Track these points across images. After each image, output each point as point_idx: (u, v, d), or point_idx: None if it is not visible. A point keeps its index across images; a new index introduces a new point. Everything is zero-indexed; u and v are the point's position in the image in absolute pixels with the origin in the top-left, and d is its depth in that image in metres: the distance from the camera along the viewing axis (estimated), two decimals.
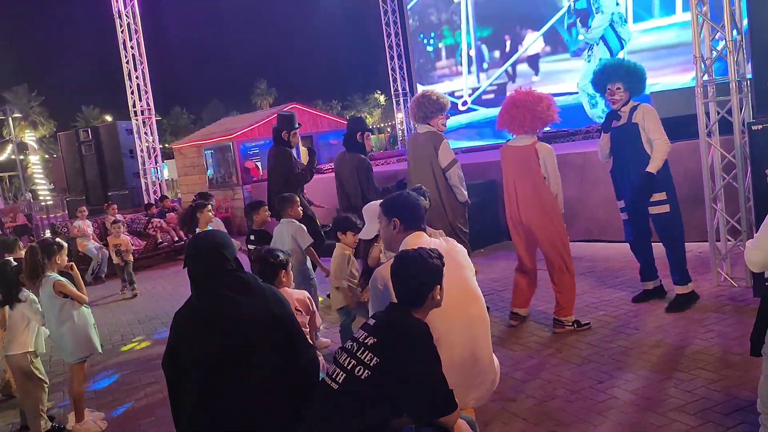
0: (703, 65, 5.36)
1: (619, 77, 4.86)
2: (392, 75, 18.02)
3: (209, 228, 5.85)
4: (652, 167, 4.73)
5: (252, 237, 5.84)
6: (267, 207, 6.02)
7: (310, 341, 3.86)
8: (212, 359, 2.46)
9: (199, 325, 2.53)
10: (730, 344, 4.14)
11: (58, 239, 4.62)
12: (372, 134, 6.79)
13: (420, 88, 15.69)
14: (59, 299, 4.30)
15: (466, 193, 5.46)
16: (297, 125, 6.87)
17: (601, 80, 4.98)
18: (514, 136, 4.88)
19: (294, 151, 6.93)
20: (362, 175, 6.30)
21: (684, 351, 4.14)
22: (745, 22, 5.19)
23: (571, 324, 4.81)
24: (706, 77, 5.37)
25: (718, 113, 5.38)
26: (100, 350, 4.57)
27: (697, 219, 6.34)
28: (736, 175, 5.27)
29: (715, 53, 5.37)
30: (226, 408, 2.45)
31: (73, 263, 4.67)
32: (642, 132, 4.80)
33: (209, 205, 6.12)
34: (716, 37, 5.37)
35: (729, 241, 5.50)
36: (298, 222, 5.57)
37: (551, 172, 4.74)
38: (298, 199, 5.73)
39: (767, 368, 2.53)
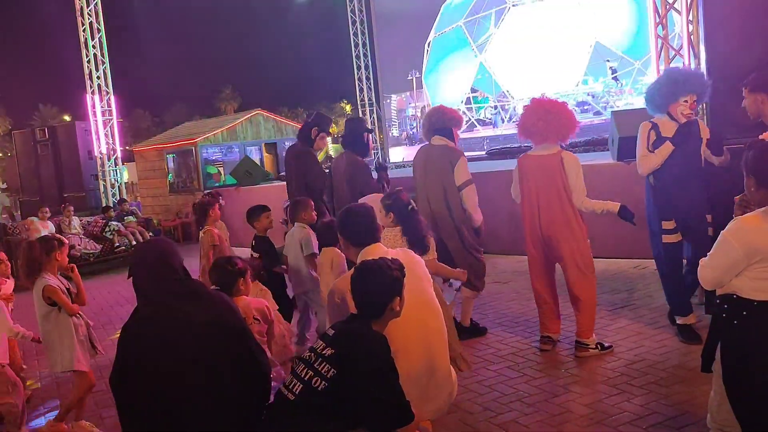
0: None
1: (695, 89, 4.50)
2: (359, 85, 18.05)
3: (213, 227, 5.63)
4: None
5: (253, 243, 5.53)
6: (269, 213, 5.60)
7: (268, 350, 3.82)
8: (162, 370, 2.40)
9: (147, 336, 2.46)
10: (681, 360, 4.23)
11: (59, 236, 4.42)
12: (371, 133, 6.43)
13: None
14: (46, 306, 4.05)
15: (481, 217, 5.08)
16: (329, 131, 6.44)
17: (678, 90, 4.49)
18: (535, 146, 4.60)
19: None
20: (356, 173, 5.81)
21: (637, 366, 4.22)
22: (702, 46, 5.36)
23: (595, 346, 4.48)
24: None
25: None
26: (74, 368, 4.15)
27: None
28: None
29: None
30: (179, 417, 2.40)
31: (74, 265, 4.45)
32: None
33: (218, 203, 5.73)
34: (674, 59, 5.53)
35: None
36: (309, 227, 5.23)
37: (577, 183, 4.43)
38: (311, 203, 5.37)
39: (717, 384, 2.59)
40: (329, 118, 6.56)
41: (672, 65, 5.55)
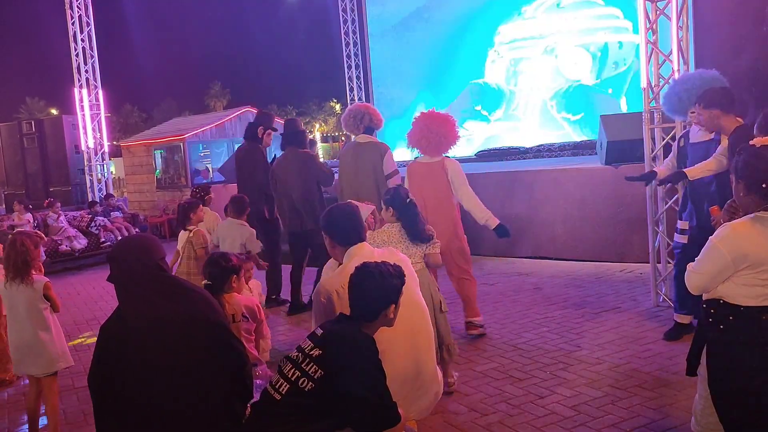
0: (651, 92, 5.54)
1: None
2: (349, 84, 18.03)
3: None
4: None
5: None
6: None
7: (257, 350, 3.81)
8: (142, 367, 2.37)
9: (125, 332, 2.43)
10: (666, 364, 4.26)
11: (36, 231, 4.33)
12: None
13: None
14: (43, 303, 3.96)
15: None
16: (274, 127, 6.88)
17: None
18: (422, 155, 5.18)
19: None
20: (311, 167, 6.25)
21: (622, 369, 4.24)
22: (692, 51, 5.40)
23: (482, 324, 5.13)
24: (653, 104, 5.55)
25: (663, 138, 5.56)
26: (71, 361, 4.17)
27: (639, 240, 6.53)
28: (678, 200, 5.44)
29: (662, 81, 5.56)
30: (157, 416, 2.37)
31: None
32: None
33: (201, 205, 5.67)
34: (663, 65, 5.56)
35: (669, 263, 5.67)
36: (249, 226, 5.60)
37: (462, 186, 5.03)
38: (247, 200, 5.82)
39: (702, 388, 2.60)
40: (272, 114, 7.13)
41: (662, 71, 5.59)
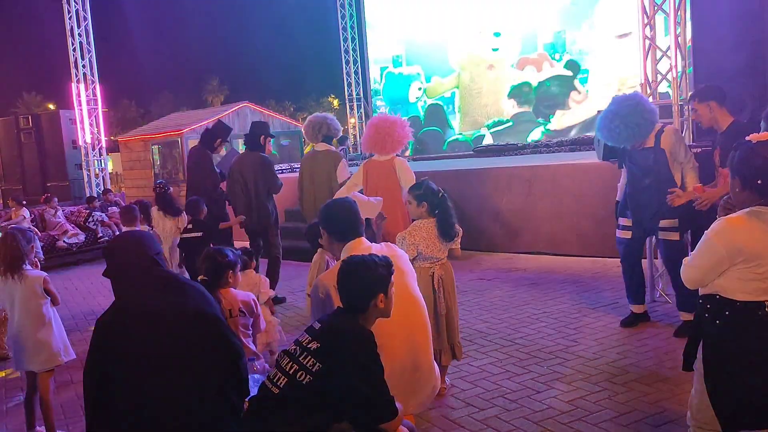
0: (648, 88, 5.55)
1: None
2: (347, 79, 18.01)
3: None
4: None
5: (190, 226, 6.36)
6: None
7: (253, 345, 3.81)
8: (137, 360, 2.37)
9: (122, 326, 2.43)
10: (663, 359, 4.28)
11: (29, 227, 4.33)
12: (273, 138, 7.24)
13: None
14: (42, 298, 3.96)
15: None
16: (227, 139, 7.37)
17: None
18: (376, 155, 5.61)
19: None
20: (267, 172, 6.66)
21: (619, 364, 4.26)
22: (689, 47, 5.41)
23: None
24: (651, 99, 5.55)
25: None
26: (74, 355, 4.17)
27: None
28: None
29: (659, 76, 5.57)
30: (153, 410, 2.36)
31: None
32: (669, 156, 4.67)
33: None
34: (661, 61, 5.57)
35: None
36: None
37: (408, 181, 5.33)
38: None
39: (698, 382, 2.61)
40: (229, 127, 7.42)
41: (659, 66, 5.60)
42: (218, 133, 7.17)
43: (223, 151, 7.21)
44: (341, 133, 6.56)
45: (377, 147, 5.52)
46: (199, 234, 6.21)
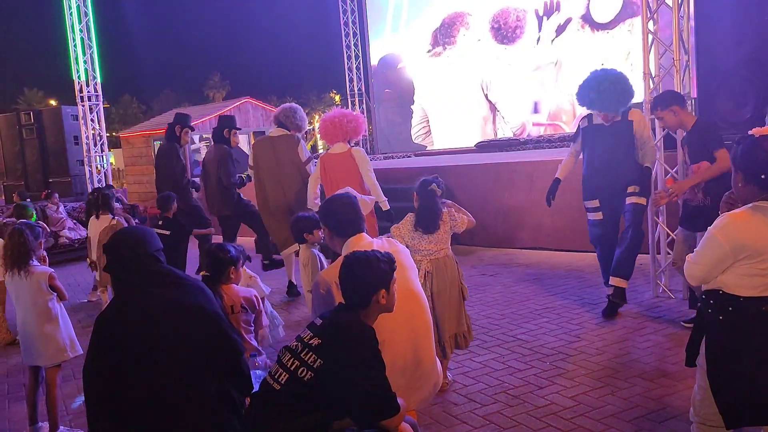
0: (651, 82, 5.52)
1: None
2: (348, 75, 17.97)
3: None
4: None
5: (160, 222, 6.48)
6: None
7: (256, 340, 3.81)
8: (137, 356, 2.36)
9: (122, 322, 2.43)
10: (666, 354, 4.27)
11: (38, 222, 4.31)
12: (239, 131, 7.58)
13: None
14: (48, 294, 3.94)
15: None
16: (191, 126, 7.59)
17: None
18: (332, 146, 5.94)
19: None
20: (222, 164, 6.97)
21: (622, 359, 4.25)
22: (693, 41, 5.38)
23: None
24: (654, 94, 5.52)
25: (663, 129, 5.53)
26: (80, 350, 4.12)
27: None
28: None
29: (663, 71, 5.54)
30: (153, 405, 2.36)
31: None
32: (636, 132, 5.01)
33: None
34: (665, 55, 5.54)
35: (669, 254, 5.66)
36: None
37: (367, 173, 5.77)
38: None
39: (701, 378, 2.60)
40: (188, 115, 7.76)
41: (663, 60, 5.57)
42: (176, 121, 7.43)
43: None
44: (307, 126, 6.85)
45: (337, 139, 5.87)
46: (167, 232, 6.13)
